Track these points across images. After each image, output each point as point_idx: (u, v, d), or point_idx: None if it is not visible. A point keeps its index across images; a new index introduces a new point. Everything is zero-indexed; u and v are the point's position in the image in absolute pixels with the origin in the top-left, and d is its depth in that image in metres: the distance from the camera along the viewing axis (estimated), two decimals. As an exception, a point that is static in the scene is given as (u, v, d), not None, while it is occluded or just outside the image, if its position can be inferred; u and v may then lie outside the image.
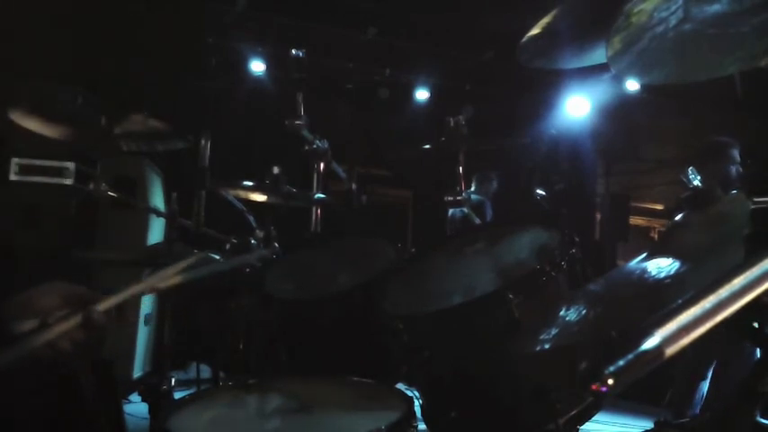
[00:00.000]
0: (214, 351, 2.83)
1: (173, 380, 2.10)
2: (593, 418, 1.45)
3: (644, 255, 1.12)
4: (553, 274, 1.45)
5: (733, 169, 3.48)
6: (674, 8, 0.86)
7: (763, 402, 0.69)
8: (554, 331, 1.06)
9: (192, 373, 3.39)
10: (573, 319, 1.05)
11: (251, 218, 2.41)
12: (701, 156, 3.52)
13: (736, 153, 3.52)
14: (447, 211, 4.79)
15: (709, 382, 3.28)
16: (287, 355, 1.95)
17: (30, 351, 1.02)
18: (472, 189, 5.71)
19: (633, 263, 1.12)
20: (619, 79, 5.94)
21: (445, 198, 2.61)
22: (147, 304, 4.22)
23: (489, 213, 5.58)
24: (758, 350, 0.72)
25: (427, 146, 2.63)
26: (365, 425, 1.22)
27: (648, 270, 1.03)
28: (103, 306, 1.10)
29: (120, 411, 2.33)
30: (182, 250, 2.14)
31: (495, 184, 5.91)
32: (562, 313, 1.09)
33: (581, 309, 1.07)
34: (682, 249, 1.00)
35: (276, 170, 2.27)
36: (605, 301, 1.07)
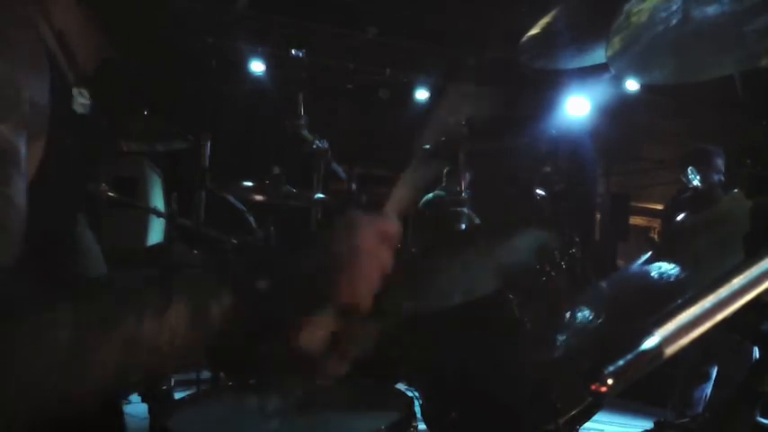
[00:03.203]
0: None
1: (173, 380, 2.10)
2: (593, 418, 1.45)
3: (646, 256, 1.12)
4: (553, 274, 1.45)
5: (716, 178, 3.42)
6: (673, 8, 0.86)
7: (763, 402, 0.69)
8: (562, 337, 1.06)
9: (192, 373, 3.39)
10: (577, 321, 1.05)
11: (251, 218, 2.41)
12: (687, 161, 3.49)
13: (720, 162, 3.47)
14: (442, 210, 4.75)
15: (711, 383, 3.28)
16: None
17: None
18: (443, 185, 5.58)
19: (636, 264, 1.12)
20: (619, 79, 5.94)
21: (445, 198, 2.61)
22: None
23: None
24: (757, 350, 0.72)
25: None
26: (365, 425, 1.21)
27: (650, 271, 1.03)
28: None
29: (119, 411, 2.32)
30: (182, 250, 2.14)
31: (467, 176, 5.79)
32: (567, 316, 1.09)
33: (584, 311, 1.07)
34: (682, 250, 1.00)
35: (276, 170, 2.27)
36: (608, 303, 1.07)
